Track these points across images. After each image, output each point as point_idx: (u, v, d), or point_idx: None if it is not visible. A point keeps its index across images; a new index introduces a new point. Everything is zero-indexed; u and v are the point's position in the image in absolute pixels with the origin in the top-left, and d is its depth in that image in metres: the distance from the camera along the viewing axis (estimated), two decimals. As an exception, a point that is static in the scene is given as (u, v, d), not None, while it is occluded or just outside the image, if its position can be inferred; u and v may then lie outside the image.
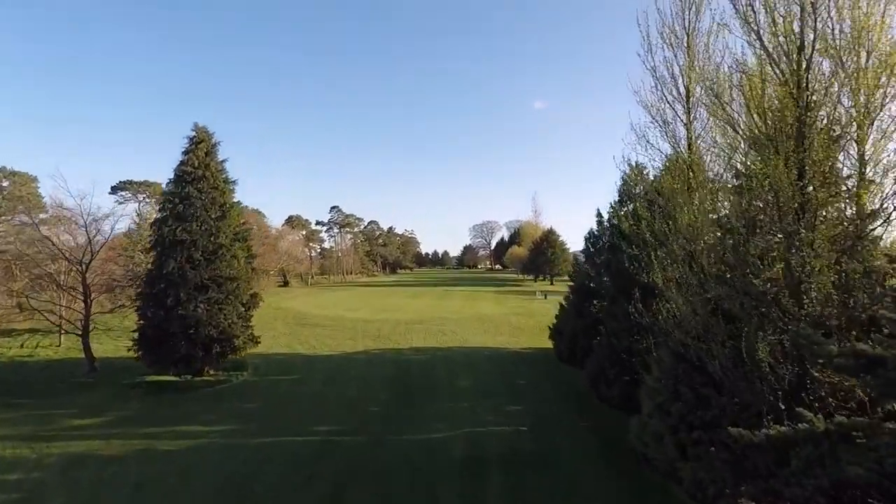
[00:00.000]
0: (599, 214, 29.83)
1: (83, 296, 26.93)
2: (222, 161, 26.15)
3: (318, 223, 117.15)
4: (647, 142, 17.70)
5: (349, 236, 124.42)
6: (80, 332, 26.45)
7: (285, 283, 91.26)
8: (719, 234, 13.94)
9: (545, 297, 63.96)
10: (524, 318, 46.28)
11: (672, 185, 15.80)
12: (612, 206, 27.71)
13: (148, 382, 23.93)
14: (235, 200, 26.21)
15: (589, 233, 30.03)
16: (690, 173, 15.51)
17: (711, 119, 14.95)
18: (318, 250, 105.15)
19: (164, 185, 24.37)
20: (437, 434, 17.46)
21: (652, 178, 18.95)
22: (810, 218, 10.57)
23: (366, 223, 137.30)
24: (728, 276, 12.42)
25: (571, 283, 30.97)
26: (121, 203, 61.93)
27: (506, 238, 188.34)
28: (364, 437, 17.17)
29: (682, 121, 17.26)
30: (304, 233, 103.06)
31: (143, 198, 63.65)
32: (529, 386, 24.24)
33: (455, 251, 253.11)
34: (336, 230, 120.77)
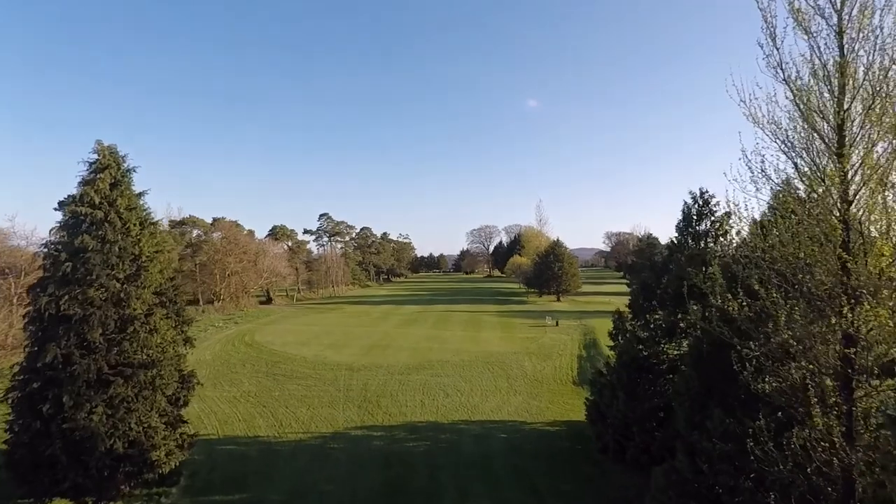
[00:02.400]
0: (651, 261, 22.69)
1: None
2: (139, 194, 18.74)
3: (305, 232, 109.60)
4: (765, 175, 11.36)
5: (339, 245, 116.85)
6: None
7: (268, 300, 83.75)
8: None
9: (556, 324, 57.03)
10: (540, 362, 39.15)
11: (812, 251, 9.88)
12: (684, 254, 20.81)
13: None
14: (156, 248, 18.68)
15: (642, 285, 22.95)
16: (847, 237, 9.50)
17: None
18: (305, 262, 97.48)
19: (48, 234, 16.99)
20: None
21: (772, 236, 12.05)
22: None
23: (358, 230, 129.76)
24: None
25: (612, 343, 23.98)
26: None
27: (504, 242, 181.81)
28: None
29: (831, 148, 10.67)
30: (289, 244, 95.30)
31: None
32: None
33: (449, 251, 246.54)
34: (325, 239, 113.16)
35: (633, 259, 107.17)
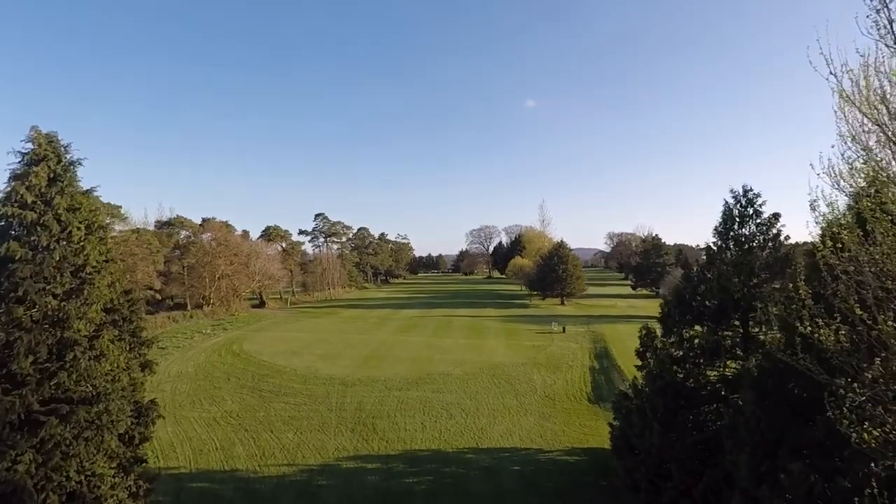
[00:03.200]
0: (686, 267, 19.71)
1: None
2: (85, 192, 15.66)
3: (301, 232, 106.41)
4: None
5: (336, 246, 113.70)
6: None
7: (261, 304, 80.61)
8: None
9: (563, 331, 54.12)
10: (550, 374, 36.19)
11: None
12: (727, 261, 17.95)
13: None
14: (105, 257, 15.55)
15: (676, 296, 19.96)
16: None
17: None
18: (300, 263, 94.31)
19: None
20: None
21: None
22: None
23: (355, 230, 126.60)
24: None
25: (640, 364, 21.04)
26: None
27: (503, 243, 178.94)
28: None
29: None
30: (283, 245, 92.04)
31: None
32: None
33: (448, 252, 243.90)
34: (321, 240, 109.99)
35: (639, 260, 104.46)
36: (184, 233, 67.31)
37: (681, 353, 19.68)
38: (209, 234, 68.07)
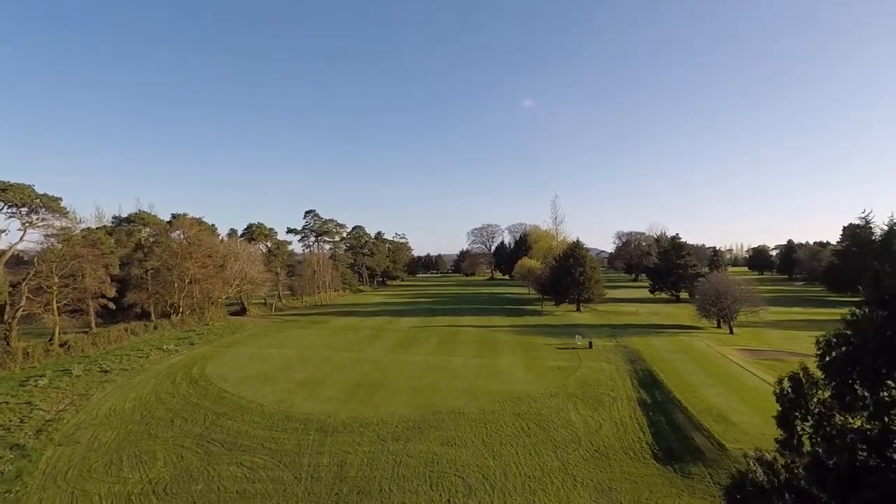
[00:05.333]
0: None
1: None
2: None
3: (289, 231, 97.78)
4: None
5: (328, 246, 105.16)
6: None
7: (242, 311, 72.12)
8: None
9: (590, 346, 45.95)
10: (591, 412, 27.95)
11: None
12: None
13: None
14: None
15: (874, 336, 11.65)
16: None
17: None
18: (287, 265, 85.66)
19: None
20: None
21: None
22: None
23: (349, 229, 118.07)
24: None
25: (782, 437, 12.92)
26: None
27: (506, 242, 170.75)
28: None
29: None
30: (268, 244, 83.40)
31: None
32: None
33: (447, 251, 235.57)
34: (312, 239, 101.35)
35: (657, 261, 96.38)
36: (148, 231, 58.51)
37: (875, 427, 11.58)
38: (179, 233, 59.42)
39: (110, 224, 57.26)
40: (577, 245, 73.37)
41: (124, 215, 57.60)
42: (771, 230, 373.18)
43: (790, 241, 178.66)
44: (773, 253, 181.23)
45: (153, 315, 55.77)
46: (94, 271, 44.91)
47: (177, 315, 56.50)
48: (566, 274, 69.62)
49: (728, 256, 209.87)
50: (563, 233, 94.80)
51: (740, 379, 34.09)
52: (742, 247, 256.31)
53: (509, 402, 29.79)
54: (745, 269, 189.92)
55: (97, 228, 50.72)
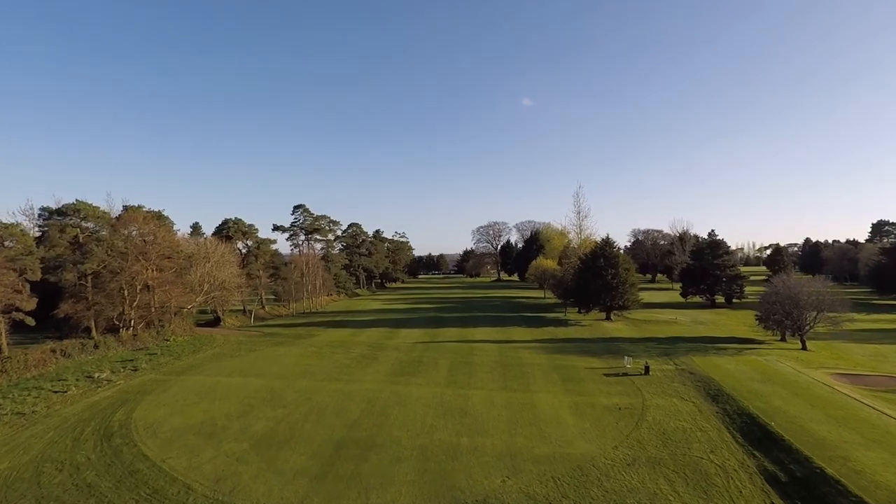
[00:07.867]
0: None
1: None
2: None
3: (275, 229, 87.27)
4: None
5: (320, 245, 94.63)
6: None
7: (216, 321, 61.61)
8: None
9: (646, 371, 35.60)
10: (701, 499, 17.42)
11: None
12: None
13: None
14: None
15: None
16: None
17: None
18: (271, 266, 75.12)
19: None
20: None
21: None
22: None
23: (344, 227, 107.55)
24: None
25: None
26: None
27: (513, 241, 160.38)
28: None
29: None
30: (248, 243, 72.89)
31: None
32: None
33: (450, 251, 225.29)
34: (302, 237, 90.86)
35: (689, 261, 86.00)
36: (88, 225, 47.83)
37: None
38: (134, 229, 48.81)
39: (38, 219, 46.75)
40: (607, 243, 62.89)
41: (54, 207, 46.83)
42: (779, 228, 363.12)
43: (807, 240, 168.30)
44: (795, 251, 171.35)
45: (94, 331, 45.29)
46: (2, 277, 34.56)
47: (127, 330, 46.07)
48: (596, 277, 59.18)
49: (739, 255, 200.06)
50: (587, 229, 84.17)
51: (877, 425, 23.85)
52: (753, 245, 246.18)
53: (569, 480, 19.32)
54: (763, 268, 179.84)
55: (10, 224, 40.11)
